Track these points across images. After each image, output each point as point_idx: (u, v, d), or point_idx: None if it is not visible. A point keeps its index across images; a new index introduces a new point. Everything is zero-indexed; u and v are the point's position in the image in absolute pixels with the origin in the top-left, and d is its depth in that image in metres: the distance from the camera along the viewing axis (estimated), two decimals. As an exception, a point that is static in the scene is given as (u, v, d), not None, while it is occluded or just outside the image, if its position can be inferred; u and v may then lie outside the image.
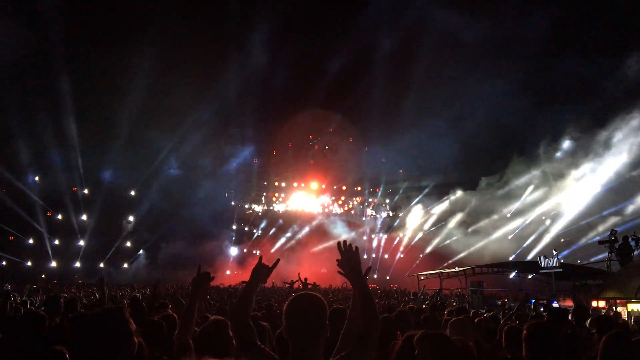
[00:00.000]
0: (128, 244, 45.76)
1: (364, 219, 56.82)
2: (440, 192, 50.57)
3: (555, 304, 15.70)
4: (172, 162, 48.48)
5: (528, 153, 41.51)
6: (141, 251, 44.89)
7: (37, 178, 43.35)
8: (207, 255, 42.68)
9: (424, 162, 49.62)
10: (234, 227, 51.19)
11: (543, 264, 21.76)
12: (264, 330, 4.66)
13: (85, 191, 46.00)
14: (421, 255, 45.57)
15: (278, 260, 3.09)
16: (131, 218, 47.03)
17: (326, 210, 56.84)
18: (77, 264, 42.01)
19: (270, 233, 50.56)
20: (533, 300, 14.54)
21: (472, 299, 19.95)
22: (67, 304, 5.97)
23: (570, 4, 43.25)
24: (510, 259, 34.63)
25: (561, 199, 36.42)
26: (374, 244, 50.88)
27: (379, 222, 55.36)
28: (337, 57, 49.59)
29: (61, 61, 39.34)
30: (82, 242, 43.15)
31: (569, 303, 16.88)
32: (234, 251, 48.00)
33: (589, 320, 6.34)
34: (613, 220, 33.26)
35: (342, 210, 58.19)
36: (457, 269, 27.40)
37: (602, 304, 14.74)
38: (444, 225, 46.91)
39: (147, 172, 46.16)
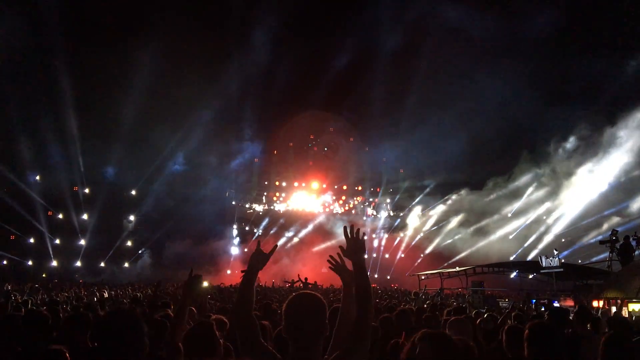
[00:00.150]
0: (129, 243, 45.80)
1: (364, 218, 56.81)
2: (441, 192, 50.62)
3: (556, 304, 15.71)
4: (173, 161, 48.48)
5: (536, 152, 41.30)
6: (142, 250, 44.88)
7: (38, 177, 43.35)
8: (208, 255, 42.74)
9: (425, 161, 49.55)
10: (235, 226, 51.21)
11: (544, 264, 21.75)
12: (265, 329, 4.65)
13: (86, 190, 46.03)
14: (422, 255, 45.58)
15: (275, 246, 3.11)
16: (132, 217, 47.07)
17: (327, 210, 56.82)
18: (78, 263, 42.06)
19: (271, 232, 50.59)
20: (534, 300, 14.57)
21: (472, 298, 19.93)
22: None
23: (578, 3, 42.94)
24: (511, 258, 34.61)
25: (567, 197, 36.05)
26: (375, 243, 50.90)
27: (379, 222, 55.38)
28: (338, 56, 49.63)
29: (62, 59, 39.42)
30: (83, 242, 43.18)
31: (569, 303, 16.89)
32: (234, 250, 48.03)
33: (604, 320, 6.32)
34: (614, 220, 33.21)
35: (342, 210, 58.19)
36: (457, 268, 27.39)
37: (602, 303, 14.73)
38: (445, 225, 46.91)
39: (148, 171, 46.16)
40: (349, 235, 2.76)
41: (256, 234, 51.11)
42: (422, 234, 49.19)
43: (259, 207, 56.12)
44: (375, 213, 58.20)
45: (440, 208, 49.61)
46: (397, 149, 51.81)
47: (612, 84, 36.61)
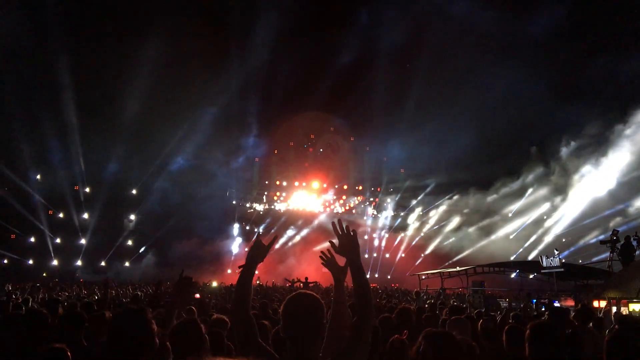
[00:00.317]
0: (129, 242, 45.83)
1: (365, 218, 56.81)
2: (443, 191, 50.57)
3: (556, 304, 15.71)
4: (174, 161, 48.47)
5: (543, 151, 40.91)
6: (143, 249, 44.88)
7: (38, 176, 43.37)
8: (209, 255, 42.75)
9: (427, 161, 49.45)
10: (237, 225, 51.22)
11: (544, 264, 21.73)
12: (265, 328, 4.64)
13: (87, 189, 46.05)
14: (422, 255, 45.56)
15: (275, 237, 3.05)
16: (132, 216, 47.09)
17: (327, 209, 56.80)
18: (79, 262, 42.07)
19: (272, 232, 50.56)
20: (535, 300, 14.56)
21: (473, 298, 19.92)
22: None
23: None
24: (512, 258, 34.58)
25: (571, 196, 35.71)
26: (375, 243, 50.91)
27: (380, 222, 55.36)
28: (339, 55, 49.55)
29: (63, 57, 39.34)
30: (83, 241, 43.18)
31: (570, 303, 16.87)
32: (235, 249, 48.02)
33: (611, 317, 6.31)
34: (616, 220, 33.10)
35: (343, 210, 58.17)
36: (458, 268, 27.39)
37: (603, 303, 14.71)
38: (446, 225, 46.86)
39: (148, 171, 46.19)
40: (339, 231, 2.71)
41: (256, 234, 51.02)
42: (422, 234, 49.18)
43: (259, 207, 56.13)
44: (375, 213, 58.20)
45: (441, 207, 49.61)
46: (398, 148, 51.79)
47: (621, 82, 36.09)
